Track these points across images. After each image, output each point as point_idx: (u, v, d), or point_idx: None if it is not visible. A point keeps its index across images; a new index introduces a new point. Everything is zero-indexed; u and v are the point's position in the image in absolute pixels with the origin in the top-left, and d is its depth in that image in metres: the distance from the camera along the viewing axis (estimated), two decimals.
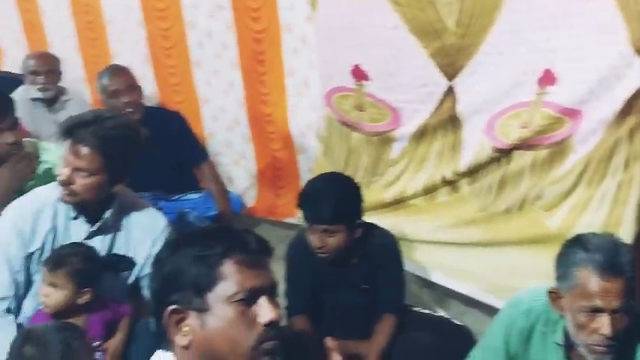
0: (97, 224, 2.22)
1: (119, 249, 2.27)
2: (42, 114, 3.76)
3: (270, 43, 3.35)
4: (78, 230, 2.23)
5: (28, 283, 2.24)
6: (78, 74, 4.47)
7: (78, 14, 4.27)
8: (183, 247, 1.29)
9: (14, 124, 2.49)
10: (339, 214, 2.23)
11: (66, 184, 2.11)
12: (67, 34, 4.41)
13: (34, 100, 3.73)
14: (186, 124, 3.43)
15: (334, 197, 2.23)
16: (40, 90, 3.71)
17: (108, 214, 2.22)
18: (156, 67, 3.97)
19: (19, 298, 2.22)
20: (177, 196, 3.36)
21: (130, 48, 4.03)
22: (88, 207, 2.21)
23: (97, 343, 2.10)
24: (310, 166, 3.56)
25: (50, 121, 3.70)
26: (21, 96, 3.61)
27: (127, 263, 2.27)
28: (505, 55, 2.58)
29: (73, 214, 2.21)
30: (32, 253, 2.20)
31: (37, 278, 2.22)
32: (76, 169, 2.10)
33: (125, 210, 2.29)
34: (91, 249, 2.16)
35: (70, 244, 2.17)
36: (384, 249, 2.41)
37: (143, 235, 2.29)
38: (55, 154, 2.61)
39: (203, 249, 1.27)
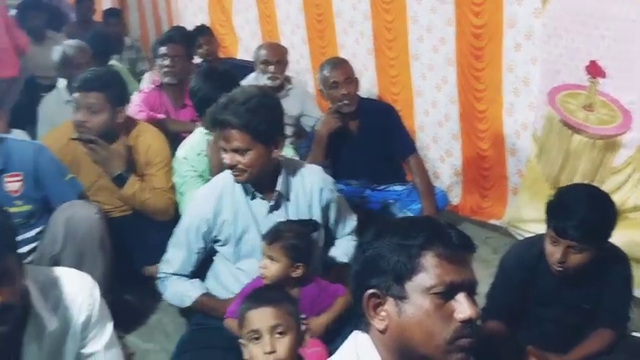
0: (273, 199, 2.35)
1: (301, 214, 2.38)
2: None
3: (491, 38, 3.28)
4: (259, 208, 2.37)
5: (209, 263, 2.46)
6: (303, 64, 4.76)
7: (308, 7, 4.53)
8: (386, 235, 1.32)
9: None
10: (592, 234, 2.08)
11: (232, 167, 2.26)
12: (297, 26, 4.70)
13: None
14: (398, 116, 3.48)
15: (591, 216, 2.05)
16: (269, 79, 3.98)
17: (279, 186, 2.34)
18: (378, 58, 4.08)
19: (193, 274, 2.44)
20: (382, 187, 3.42)
21: (355, 40, 4.19)
22: (262, 183, 2.34)
23: (303, 316, 2.16)
24: (520, 168, 3.43)
25: None
26: (251, 82, 3.92)
27: (312, 225, 2.36)
28: None
29: (249, 194, 2.36)
30: (216, 235, 2.38)
31: (219, 260, 2.43)
32: (233, 151, 2.23)
33: (292, 176, 2.40)
34: (303, 227, 2.28)
35: (286, 221, 2.29)
36: (616, 267, 2.23)
37: (314, 193, 2.41)
38: None
39: (405, 238, 1.29)
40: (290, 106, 4.06)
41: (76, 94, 2.80)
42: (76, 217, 2.46)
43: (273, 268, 2.18)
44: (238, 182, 2.31)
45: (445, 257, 1.26)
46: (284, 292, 2.02)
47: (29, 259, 2.49)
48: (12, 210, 2.40)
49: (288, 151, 2.97)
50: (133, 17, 7.10)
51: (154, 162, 2.96)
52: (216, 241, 2.40)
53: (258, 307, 1.83)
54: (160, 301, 2.90)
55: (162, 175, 2.96)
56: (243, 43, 5.55)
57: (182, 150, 2.95)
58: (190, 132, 3.12)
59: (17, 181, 2.47)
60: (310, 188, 2.41)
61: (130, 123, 3.03)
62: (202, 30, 4.99)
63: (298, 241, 2.19)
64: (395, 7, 3.79)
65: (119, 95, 2.90)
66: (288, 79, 4.13)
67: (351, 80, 3.32)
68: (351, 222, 2.62)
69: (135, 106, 3.64)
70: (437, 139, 3.87)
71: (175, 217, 2.81)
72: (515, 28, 3.13)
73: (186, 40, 4.24)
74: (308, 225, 2.31)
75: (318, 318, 2.22)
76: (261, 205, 2.36)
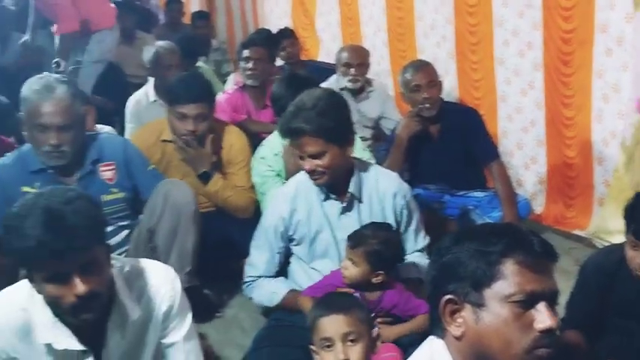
0: (346, 200, 2.35)
1: (374, 217, 2.36)
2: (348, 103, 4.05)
3: (581, 43, 3.18)
4: (331, 209, 2.37)
5: (285, 264, 2.49)
6: (384, 67, 4.75)
7: (391, 10, 4.52)
8: (465, 240, 1.30)
9: None
10: None
11: (310, 172, 2.28)
12: (379, 29, 4.70)
13: (342, 89, 4.04)
14: (482, 121, 3.41)
15: None
16: (350, 81, 4.00)
17: (352, 187, 2.34)
18: (460, 62, 4.03)
19: (276, 273, 2.47)
20: (462, 192, 3.36)
21: (435, 43, 4.15)
22: (335, 184, 2.34)
23: (373, 314, 2.15)
24: (607, 178, 3.30)
25: (354, 110, 3.98)
26: (332, 85, 3.95)
27: (386, 228, 2.30)
28: None
29: (322, 196, 2.37)
30: (292, 235, 2.41)
31: (294, 260, 2.46)
32: (311, 157, 2.25)
33: (366, 178, 2.39)
34: (392, 235, 2.24)
35: (372, 225, 2.26)
36: None
37: (387, 197, 2.38)
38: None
39: (484, 244, 1.26)
40: (370, 108, 4.07)
41: (183, 106, 2.89)
42: (174, 189, 2.60)
43: (353, 272, 2.16)
44: (319, 185, 2.34)
45: (526, 265, 1.23)
46: (355, 298, 2.01)
47: (124, 248, 2.63)
48: (109, 197, 2.58)
49: (364, 154, 2.97)
50: (220, 20, 7.29)
51: (236, 161, 3.05)
52: (291, 240, 2.44)
53: (330, 315, 1.81)
54: (237, 297, 2.96)
55: (243, 174, 3.04)
56: (325, 45, 5.60)
57: (260, 150, 3.02)
58: (270, 133, 3.18)
59: (111, 169, 2.61)
60: (384, 192, 2.40)
61: (216, 123, 3.12)
62: (286, 33, 5.06)
63: (382, 247, 2.15)
64: (480, 10, 3.73)
65: (215, 99, 3.08)
66: (368, 82, 4.13)
67: (435, 83, 3.27)
68: (424, 239, 2.53)
69: (219, 107, 3.75)
70: (521, 145, 3.78)
71: (256, 215, 2.87)
72: (606, 33, 3.03)
73: (269, 43, 4.32)
74: (382, 228, 2.28)
75: (392, 327, 2.18)
76: (333, 206, 2.38)
